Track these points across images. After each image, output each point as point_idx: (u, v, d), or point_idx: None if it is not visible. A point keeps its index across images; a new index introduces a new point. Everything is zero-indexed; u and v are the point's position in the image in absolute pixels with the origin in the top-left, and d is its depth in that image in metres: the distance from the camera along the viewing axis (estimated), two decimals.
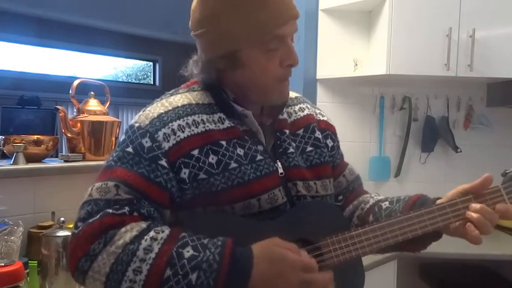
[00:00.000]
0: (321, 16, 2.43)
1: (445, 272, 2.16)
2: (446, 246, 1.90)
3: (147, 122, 0.84)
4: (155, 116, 0.84)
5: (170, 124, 0.83)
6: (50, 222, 1.43)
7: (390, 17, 2.09)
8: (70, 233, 1.21)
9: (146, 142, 0.81)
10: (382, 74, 2.13)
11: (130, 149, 0.82)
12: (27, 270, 1.18)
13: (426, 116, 2.45)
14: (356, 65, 2.38)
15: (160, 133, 0.82)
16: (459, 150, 2.40)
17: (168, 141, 0.82)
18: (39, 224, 1.42)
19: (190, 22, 0.91)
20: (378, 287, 1.82)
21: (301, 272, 0.73)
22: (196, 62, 0.92)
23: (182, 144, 0.82)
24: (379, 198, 1.04)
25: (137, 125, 0.85)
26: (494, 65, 2.11)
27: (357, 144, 2.43)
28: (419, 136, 2.47)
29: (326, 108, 2.51)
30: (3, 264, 0.98)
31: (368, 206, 1.02)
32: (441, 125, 2.43)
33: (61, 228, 1.26)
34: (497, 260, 1.99)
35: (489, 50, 2.09)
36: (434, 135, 2.44)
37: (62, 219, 1.27)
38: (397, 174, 2.45)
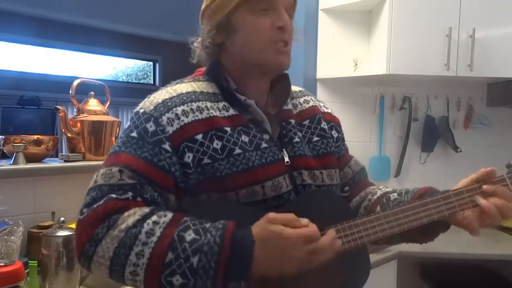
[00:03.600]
0: (321, 16, 2.43)
1: (445, 272, 2.16)
2: (446, 246, 1.91)
3: (152, 107, 0.85)
4: (160, 102, 0.86)
5: (174, 109, 0.84)
6: (50, 222, 1.43)
7: (390, 17, 2.09)
8: (70, 233, 1.22)
9: (151, 126, 0.83)
10: (382, 74, 2.13)
11: (134, 134, 0.83)
12: (27, 270, 1.18)
13: (426, 116, 2.45)
14: (356, 65, 2.38)
15: (164, 117, 0.83)
16: (459, 150, 2.40)
17: (172, 126, 0.83)
18: (39, 224, 1.42)
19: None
20: (378, 287, 1.82)
21: (302, 245, 0.72)
22: (198, 41, 0.96)
23: (185, 129, 0.83)
24: (387, 190, 1.04)
25: (142, 110, 0.86)
26: (494, 65, 2.11)
27: (357, 144, 2.43)
28: (419, 136, 2.47)
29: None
30: (3, 264, 0.98)
31: (375, 197, 1.02)
32: (441, 125, 2.43)
33: (61, 228, 1.25)
34: (497, 260, 1.99)
35: (489, 50, 2.09)
36: (434, 135, 2.44)
37: (62, 219, 1.27)
38: (397, 174, 2.45)
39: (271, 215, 0.75)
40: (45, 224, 1.41)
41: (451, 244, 1.93)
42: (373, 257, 1.76)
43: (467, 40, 2.08)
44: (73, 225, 1.30)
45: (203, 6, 0.94)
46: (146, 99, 0.89)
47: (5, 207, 1.37)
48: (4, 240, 1.21)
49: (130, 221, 0.73)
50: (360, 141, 2.47)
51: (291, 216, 0.75)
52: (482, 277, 2.14)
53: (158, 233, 0.72)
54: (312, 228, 0.75)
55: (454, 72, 2.09)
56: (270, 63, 0.90)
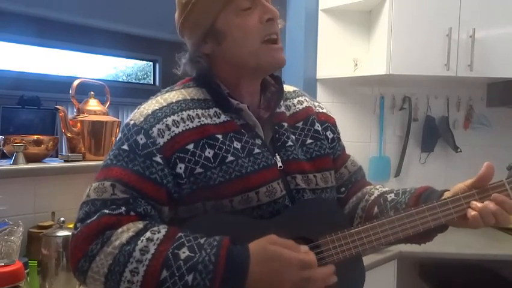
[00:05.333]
0: (321, 16, 2.43)
1: (445, 272, 2.16)
2: (446, 247, 1.91)
3: (142, 119, 0.84)
4: (150, 113, 0.85)
5: (164, 120, 0.84)
6: (50, 222, 1.43)
7: (390, 17, 2.09)
8: (70, 233, 1.22)
9: (141, 139, 0.82)
10: (382, 74, 2.13)
11: (125, 147, 0.82)
12: (27, 270, 1.18)
13: (426, 116, 2.45)
14: (356, 65, 2.38)
15: (155, 129, 0.82)
16: (459, 150, 2.40)
17: (163, 137, 0.82)
18: (39, 224, 1.42)
19: (176, 26, 0.94)
20: (378, 287, 1.82)
21: (298, 269, 0.73)
22: (184, 55, 0.93)
23: (177, 139, 0.82)
24: (384, 190, 1.03)
25: (132, 122, 0.85)
26: (494, 65, 2.11)
27: (357, 144, 2.43)
28: (419, 136, 2.47)
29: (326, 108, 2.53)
30: (3, 264, 0.98)
31: (372, 197, 1.01)
32: (441, 125, 2.43)
33: (61, 228, 1.25)
34: (497, 260, 1.99)
35: (489, 50, 2.09)
36: (434, 135, 2.44)
37: (62, 219, 1.27)
38: (397, 174, 2.45)
39: (273, 236, 0.75)
40: (45, 224, 1.41)
41: (450, 244, 1.93)
42: (373, 257, 1.77)
43: (467, 40, 2.08)
44: (73, 226, 1.30)
45: (178, 18, 0.91)
46: (136, 110, 0.88)
47: (5, 207, 1.37)
48: (4, 240, 1.21)
49: (124, 237, 0.73)
50: (360, 141, 2.47)
51: (291, 242, 0.76)
52: (482, 277, 2.14)
53: (152, 250, 0.72)
54: (311, 256, 0.75)
55: (454, 72, 2.09)
56: (267, 64, 0.89)
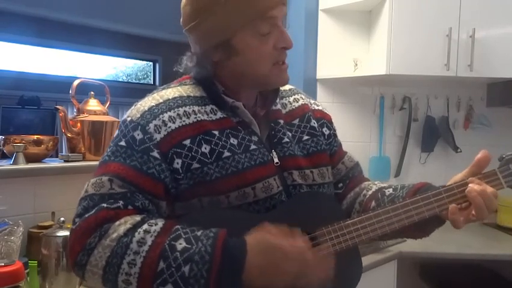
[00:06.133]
0: (321, 16, 2.43)
1: (445, 272, 2.16)
2: (446, 246, 1.91)
3: (138, 116, 0.85)
4: (146, 109, 0.86)
5: (161, 116, 0.84)
6: (50, 222, 1.43)
7: (390, 17, 2.09)
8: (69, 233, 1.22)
9: (138, 135, 0.83)
10: (382, 74, 2.13)
11: (122, 143, 0.83)
12: (27, 270, 1.18)
13: (426, 116, 2.45)
14: (356, 65, 2.38)
15: (151, 125, 0.83)
16: (459, 150, 2.40)
17: (159, 133, 0.83)
18: (39, 224, 1.42)
19: (181, 18, 0.92)
20: (378, 287, 1.82)
21: (297, 260, 0.73)
22: (191, 57, 0.93)
23: (173, 135, 0.83)
24: (382, 185, 1.04)
25: (129, 119, 0.86)
26: (494, 65, 2.11)
27: (357, 144, 2.43)
28: (419, 136, 2.47)
29: (326, 108, 2.53)
30: (3, 264, 0.98)
31: (370, 192, 1.01)
32: (442, 125, 2.44)
33: (61, 228, 1.26)
34: (497, 260, 1.99)
35: (489, 50, 2.09)
36: (434, 135, 2.44)
37: (62, 219, 1.27)
38: (397, 174, 2.45)
39: (269, 226, 0.75)
40: (45, 224, 1.41)
41: (450, 244, 1.93)
42: (373, 257, 1.77)
43: (467, 40, 2.08)
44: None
45: (187, 19, 0.89)
46: (133, 107, 0.89)
47: (5, 207, 1.37)
48: (4, 240, 1.21)
49: (121, 230, 0.74)
50: (360, 141, 2.47)
51: (286, 229, 0.76)
52: (482, 277, 2.14)
53: (149, 242, 0.72)
54: (307, 243, 0.77)
55: (454, 73, 2.09)
56: (273, 83, 0.92)
